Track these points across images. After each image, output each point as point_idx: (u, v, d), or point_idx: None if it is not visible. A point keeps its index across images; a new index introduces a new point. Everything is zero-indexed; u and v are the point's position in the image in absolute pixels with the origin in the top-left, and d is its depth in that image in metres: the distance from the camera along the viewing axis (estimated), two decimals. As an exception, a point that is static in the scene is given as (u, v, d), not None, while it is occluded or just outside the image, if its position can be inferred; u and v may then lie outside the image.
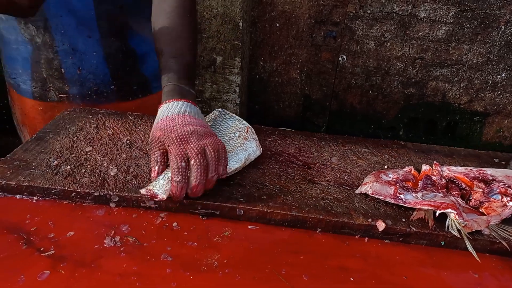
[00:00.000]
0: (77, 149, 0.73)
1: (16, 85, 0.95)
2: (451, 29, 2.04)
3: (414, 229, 0.59)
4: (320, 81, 2.28)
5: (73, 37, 0.87)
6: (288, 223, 0.61)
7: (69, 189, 0.62)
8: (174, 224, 0.60)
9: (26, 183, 0.62)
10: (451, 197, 0.63)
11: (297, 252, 0.57)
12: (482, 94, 2.18)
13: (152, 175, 0.62)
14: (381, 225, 0.60)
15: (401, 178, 0.68)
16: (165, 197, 0.59)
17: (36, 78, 0.92)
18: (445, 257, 0.58)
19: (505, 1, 1.94)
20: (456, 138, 2.31)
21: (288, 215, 0.61)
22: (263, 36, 2.19)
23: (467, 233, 0.58)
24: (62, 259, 0.52)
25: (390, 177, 0.68)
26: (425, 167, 0.72)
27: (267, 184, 0.67)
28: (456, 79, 2.16)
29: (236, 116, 0.79)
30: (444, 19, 2.02)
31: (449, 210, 0.59)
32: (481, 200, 0.63)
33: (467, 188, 0.67)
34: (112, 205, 0.62)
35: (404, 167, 0.73)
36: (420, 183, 0.68)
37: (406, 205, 0.62)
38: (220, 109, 0.80)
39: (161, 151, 0.63)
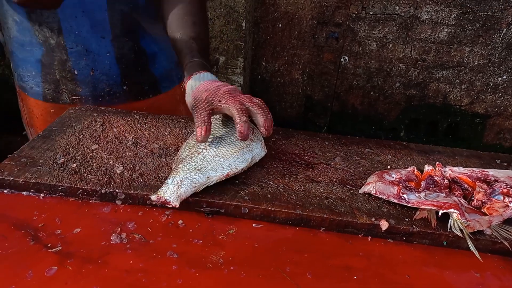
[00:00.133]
0: (83, 147, 0.74)
1: (28, 87, 0.95)
2: (453, 31, 2.04)
3: (417, 229, 0.60)
4: (322, 82, 2.29)
5: (86, 38, 0.88)
6: (292, 222, 0.62)
7: (75, 186, 0.63)
8: (180, 221, 0.61)
9: (33, 180, 0.63)
10: (454, 197, 0.63)
11: (301, 250, 0.58)
12: (483, 96, 2.19)
13: (198, 134, 0.67)
14: (384, 225, 0.60)
15: (404, 178, 0.69)
16: (177, 204, 0.58)
17: (49, 80, 0.93)
18: (447, 256, 0.59)
19: (507, 4, 1.94)
20: (457, 140, 2.32)
21: (292, 214, 0.62)
22: (266, 36, 2.20)
23: (469, 233, 0.59)
24: (69, 255, 0.53)
25: (393, 177, 0.69)
26: (427, 168, 0.73)
27: (271, 183, 0.68)
28: (457, 81, 2.17)
29: None
30: (446, 21, 2.02)
31: (452, 210, 0.59)
32: (483, 200, 0.64)
33: (469, 188, 0.68)
34: (118, 202, 0.63)
35: (407, 168, 0.73)
36: (422, 183, 0.69)
37: (409, 205, 0.63)
38: None
39: (208, 111, 0.69)
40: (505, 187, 0.65)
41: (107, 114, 0.86)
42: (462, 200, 0.63)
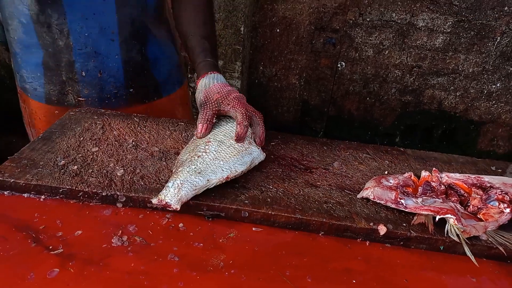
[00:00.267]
0: (84, 149, 0.74)
1: (31, 89, 0.95)
2: (448, 38, 2.07)
3: (415, 234, 0.61)
4: (318, 87, 2.31)
5: (96, 40, 0.88)
6: (292, 226, 0.63)
7: (76, 188, 0.63)
8: (180, 225, 0.61)
9: (34, 182, 0.63)
10: (450, 203, 0.65)
11: (300, 254, 0.58)
12: (477, 103, 2.22)
13: (199, 130, 0.74)
14: (382, 229, 0.61)
15: (401, 183, 0.70)
16: (178, 207, 0.59)
17: (54, 82, 0.93)
18: (444, 261, 0.60)
19: (501, 13, 1.98)
20: (451, 146, 2.35)
21: (292, 218, 0.62)
22: (264, 41, 2.22)
23: (466, 238, 0.60)
24: (70, 257, 0.53)
25: (391, 183, 0.70)
26: (424, 173, 0.74)
27: (271, 187, 0.69)
28: (452, 87, 2.20)
29: None
30: (442, 28, 2.05)
31: (449, 215, 0.60)
32: (479, 206, 0.65)
33: (465, 194, 0.69)
34: (119, 205, 0.63)
35: (404, 173, 0.75)
36: (420, 189, 0.70)
37: (406, 210, 0.64)
38: None
39: (214, 111, 0.76)
40: (500, 193, 0.66)
41: (107, 116, 0.87)
42: (459, 206, 0.65)
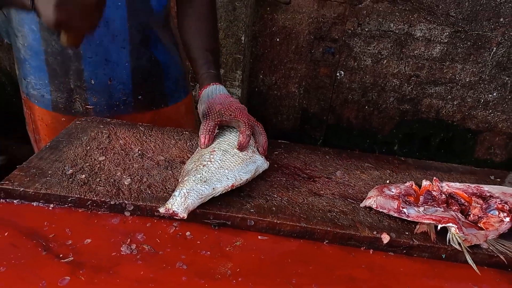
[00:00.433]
0: (91, 158, 0.75)
1: (38, 95, 0.96)
2: (445, 48, 2.11)
3: (417, 242, 0.62)
4: (318, 95, 2.33)
5: (107, 48, 0.90)
6: (297, 234, 0.64)
7: (85, 197, 0.64)
8: (187, 233, 0.62)
9: (44, 191, 0.64)
10: (452, 212, 0.66)
11: (306, 262, 0.59)
12: (474, 112, 2.25)
13: (202, 141, 0.75)
14: (385, 238, 0.62)
15: (403, 192, 0.71)
16: (185, 215, 0.60)
17: (62, 89, 0.94)
18: (446, 269, 0.61)
19: (496, 24, 2.02)
20: (449, 155, 2.37)
21: (297, 227, 0.63)
22: (264, 50, 2.24)
23: (467, 246, 0.61)
24: (81, 265, 0.54)
25: (393, 192, 0.71)
26: (425, 183, 0.76)
27: (275, 196, 0.70)
28: (449, 97, 2.23)
29: None
30: (439, 39, 2.09)
31: (450, 224, 0.62)
32: (479, 215, 0.67)
33: (466, 203, 0.71)
34: (127, 213, 0.64)
35: (405, 182, 0.76)
36: (421, 198, 0.71)
37: (409, 219, 0.65)
38: None
39: (216, 122, 0.77)
40: (500, 202, 0.68)
41: (113, 126, 0.88)
42: (460, 215, 0.66)
